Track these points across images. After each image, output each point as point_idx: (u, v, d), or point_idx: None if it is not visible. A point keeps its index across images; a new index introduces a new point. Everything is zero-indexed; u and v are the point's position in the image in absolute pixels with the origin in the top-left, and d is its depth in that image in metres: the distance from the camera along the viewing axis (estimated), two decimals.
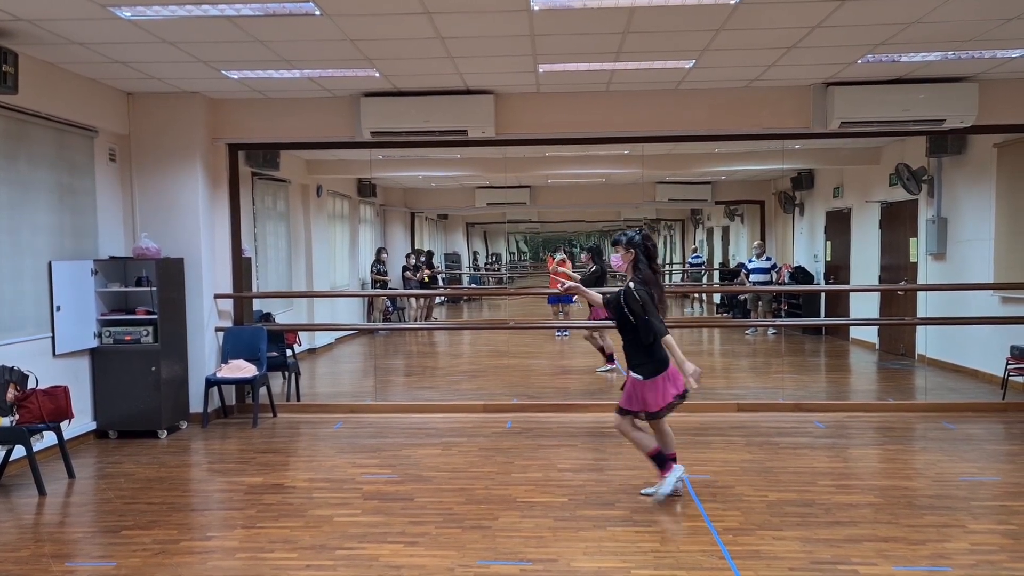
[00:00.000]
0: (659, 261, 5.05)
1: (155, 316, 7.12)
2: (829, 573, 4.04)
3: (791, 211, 14.50)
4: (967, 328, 9.14)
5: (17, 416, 5.59)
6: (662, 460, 5.17)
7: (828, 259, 13.25)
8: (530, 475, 5.75)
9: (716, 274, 17.57)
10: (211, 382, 7.59)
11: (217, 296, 7.94)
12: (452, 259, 19.60)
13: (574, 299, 13.55)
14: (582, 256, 10.84)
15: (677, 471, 5.16)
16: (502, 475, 5.79)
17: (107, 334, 7.09)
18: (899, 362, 10.66)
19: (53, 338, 6.57)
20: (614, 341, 9.39)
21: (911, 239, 10.74)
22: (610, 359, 9.96)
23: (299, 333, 9.83)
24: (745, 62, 6.73)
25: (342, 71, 6.78)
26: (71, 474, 5.90)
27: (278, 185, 11.30)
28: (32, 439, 5.51)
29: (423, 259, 15.70)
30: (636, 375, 5.07)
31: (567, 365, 11.36)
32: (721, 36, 5.93)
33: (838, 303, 12.78)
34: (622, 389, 5.30)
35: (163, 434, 7.16)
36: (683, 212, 18.24)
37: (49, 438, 5.87)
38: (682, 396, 5.10)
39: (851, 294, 12.38)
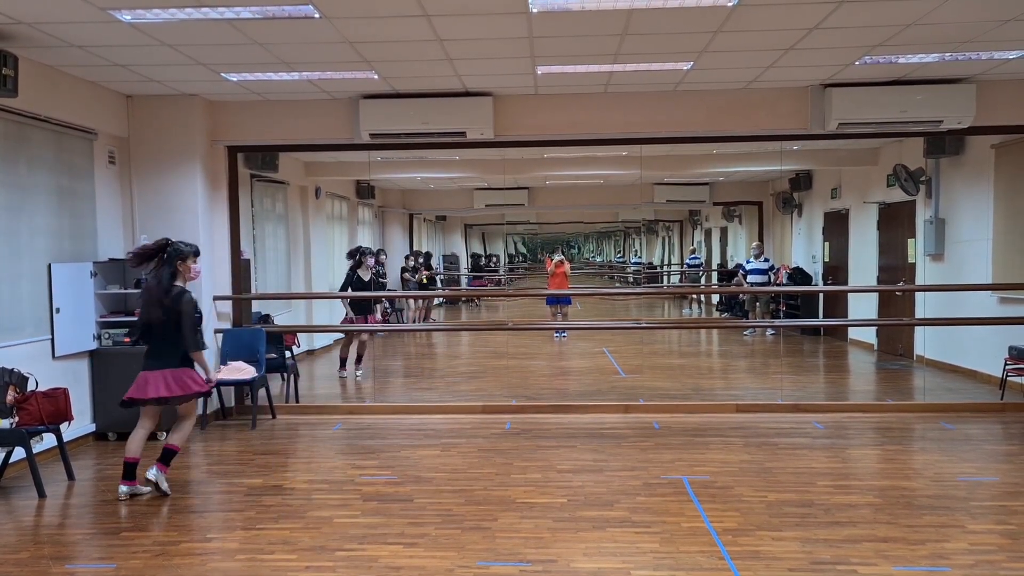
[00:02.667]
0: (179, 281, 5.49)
1: None
2: (828, 573, 4.05)
3: (789, 212, 14.53)
4: (965, 328, 9.15)
5: (17, 418, 5.58)
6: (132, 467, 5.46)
7: (826, 260, 13.27)
8: (529, 476, 5.76)
9: (714, 275, 17.59)
10: None
11: (216, 298, 7.95)
12: (450, 260, 19.60)
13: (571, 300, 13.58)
14: (369, 260, 10.24)
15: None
16: (501, 476, 5.80)
17: (106, 336, 7.09)
18: (897, 363, 10.68)
19: (52, 340, 6.57)
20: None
21: (909, 240, 10.75)
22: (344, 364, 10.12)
23: (298, 334, 9.83)
24: (743, 64, 6.74)
25: (341, 73, 6.79)
26: (71, 476, 5.90)
27: (277, 187, 11.31)
28: (32, 441, 5.52)
29: (421, 260, 15.70)
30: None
31: (566, 366, 11.37)
32: (719, 38, 5.95)
33: (836, 304, 12.80)
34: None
35: (162, 436, 7.14)
36: (681, 213, 18.27)
37: (49, 440, 5.88)
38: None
39: (849, 295, 12.40)
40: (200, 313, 5.53)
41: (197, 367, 5.50)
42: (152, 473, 5.43)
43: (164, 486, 5.44)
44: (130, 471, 5.42)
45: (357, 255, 10.21)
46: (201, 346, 5.44)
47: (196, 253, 5.56)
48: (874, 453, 6.49)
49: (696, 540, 4.51)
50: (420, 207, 17.23)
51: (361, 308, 9.97)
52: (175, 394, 5.37)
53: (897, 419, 7.51)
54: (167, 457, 5.51)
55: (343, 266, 13.82)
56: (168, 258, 5.44)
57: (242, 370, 7.61)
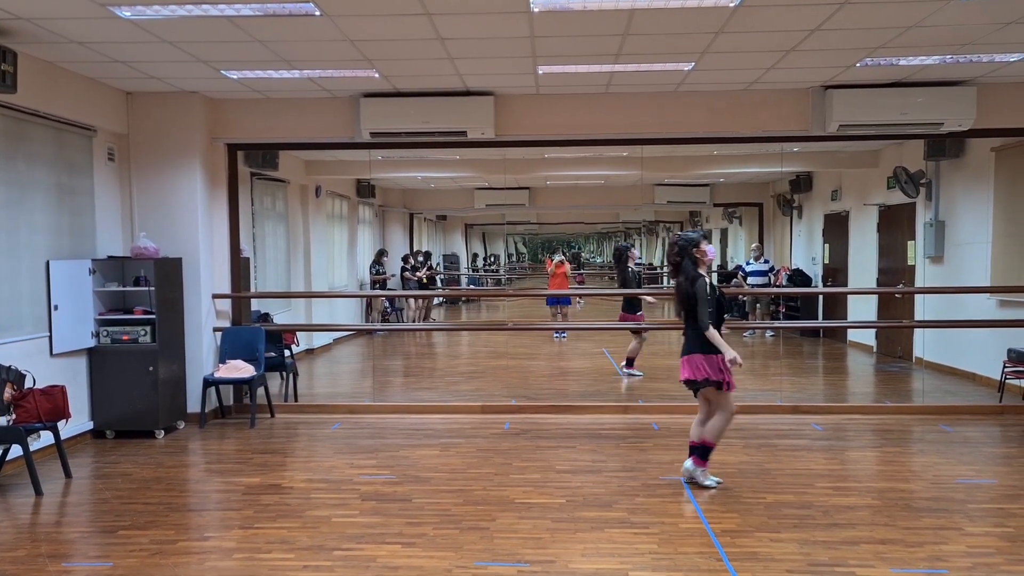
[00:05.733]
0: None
1: (153, 316, 7.11)
2: (826, 575, 4.05)
3: (789, 214, 14.52)
4: (964, 331, 9.15)
5: (14, 415, 5.58)
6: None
7: (826, 262, 13.27)
8: (528, 476, 5.75)
9: (714, 276, 17.59)
10: (209, 382, 7.58)
11: (215, 296, 7.93)
12: (451, 260, 19.60)
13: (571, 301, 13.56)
14: (635, 253, 10.23)
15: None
16: (500, 476, 5.80)
17: (105, 334, 7.08)
18: (896, 365, 10.68)
19: (50, 337, 6.56)
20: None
21: (909, 242, 10.75)
22: (629, 363, 9.92)
23: (297, 333, 9.83)
24: (744, 65, 6.74)
25: (342, 71, 6.78)
26: (68, 474, 5.89)
27: (277, 185, 11.30)
28: (29, 439, 5.50)
29: (421, 260, 15.70)
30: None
31: (565, 367, 11.36)
32: (721, 39, 5.94)
33: (836, 306, 12.80)
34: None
35: (160, 434, 7.15)
36: (681, 214, 18.27)
37: (46, 438, 5.87)
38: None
39: (849, 297, 12.40)
40: (713, 295, 5.43)
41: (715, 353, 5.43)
42: (688, 464, 5.54)
43: (701, 480, 5.47)
44: (697, 452, 5.53)
45: (624, 253, 10.16)
46: (707, 326, 5.36)
47: (705, 237, 5.61)
48: (873, 455, 6.49)
49: (694, 541, 4.51)
50: (421, 206, 17.23)
51: (633, 305, 9.97)
52: (686, 377, 5.49)
53: (896, 421, 7.50)
54: (702, 452, 5.50)
55: (344, 265, 13.90)
56: (683, 251, 5.49)
57: (241, 369, 7.61)
